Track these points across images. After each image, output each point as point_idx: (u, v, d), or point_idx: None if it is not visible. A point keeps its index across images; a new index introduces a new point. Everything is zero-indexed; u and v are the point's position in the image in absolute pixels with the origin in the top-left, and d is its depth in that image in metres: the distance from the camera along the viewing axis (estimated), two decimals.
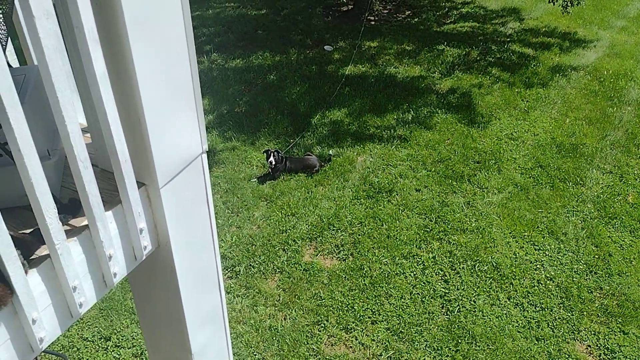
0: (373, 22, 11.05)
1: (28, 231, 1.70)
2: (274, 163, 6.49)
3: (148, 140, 1.79)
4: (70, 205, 1.81)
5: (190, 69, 1.89)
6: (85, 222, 1.74)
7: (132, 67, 1.66)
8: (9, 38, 2.19)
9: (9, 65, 2.12)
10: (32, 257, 1.64)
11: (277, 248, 5.69)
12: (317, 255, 5.62)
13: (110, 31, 1.63)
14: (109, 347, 4.82)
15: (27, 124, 1.42)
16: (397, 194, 6.36)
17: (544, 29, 10.72)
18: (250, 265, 5.51)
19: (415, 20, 11.24)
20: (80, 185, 1.62)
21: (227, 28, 10.94)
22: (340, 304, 5.09)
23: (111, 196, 1.85)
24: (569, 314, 4.98)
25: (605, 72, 8.95)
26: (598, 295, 5.17)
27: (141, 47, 1.66)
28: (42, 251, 1.65)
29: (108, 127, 1.66)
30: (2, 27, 2.10)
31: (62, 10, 1.62)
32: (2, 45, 2.09)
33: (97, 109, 1.64)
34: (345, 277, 5.35)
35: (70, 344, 4.87)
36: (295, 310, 5.04)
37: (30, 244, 1.63)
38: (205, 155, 2.12)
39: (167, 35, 1.77)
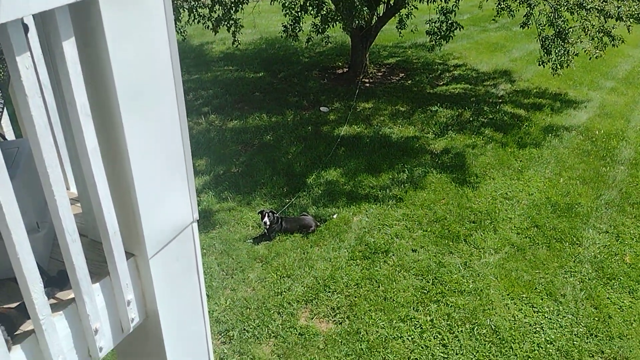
0: (368, 84, 11.31)
1: (13, 305, 1.68)
2: (268, 223, 6.48)
3: (138, 211, 1.80)
4: (58, 278, 1.79)
5: (182, 140, 1.92)
6: (73, 295, 1.72)
7: (123, 140, 1.69)
8: (4, 107, 2.22)
9: (4, 138, 2.15)
10: (17, 332, 1.62)
11: (272, 311, 5.60)
12: (312, 319, 5.53)
13: (103, 106, 1.66)
14: None
15: (18, 197, 1.43)
16: (394, 255, 6.32)
17: (535, 90, 10.97)
18: (244, 329, 5.40)
19: (409, 82, 11.51)
20: (67, 258, 1.62)
21: (225, 90, 11.17)
22: None
23: (99, 267, 1.83)
24: None
25: (597, 132, 9.10)
26: (600, 359, 5.05)
27: (133, 122, 1.70)
28: (27, 326, 1.62)
29: (98, 199, 1.67)
30: None
31: (55, 84, 1.66)
32: None
33: (87, 182, 1.65)
34: (341, 342, 5.24)
35: None
36: None
37: (15, 318, 1.61)
38: (195, 224, 2.12)
39: (159, 109, 1.81)
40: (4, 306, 1.67)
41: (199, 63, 12.85)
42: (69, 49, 1.50)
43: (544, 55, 9.26)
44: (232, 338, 5.30)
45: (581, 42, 9.12)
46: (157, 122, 1.82)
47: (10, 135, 2.38)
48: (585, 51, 9.14)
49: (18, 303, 1.65)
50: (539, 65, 9.59)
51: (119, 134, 1.68)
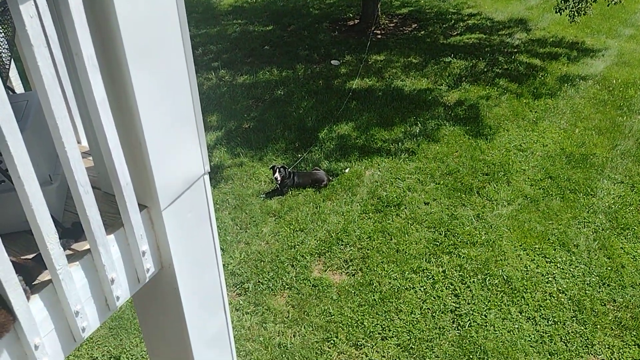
0: (379, 36, 11.09)
1: (30, 256, 1.71)
2: (279, 179, 6.50)
3: (149, 163, 1.80)
4: (73, 230, 1.81)
5: (190, 91, 1.90)
6: (88, 246, 1.74)
7: (131, 91, 1.68)
8: (12, 60, 2.21)
9: (13, 92, 2.15)
10: (35, 283, 1.65)
11: (286, 264, 5.67)
12: (326, 271, 5.60)
13: (110, 57, 1.64)
14: None
15: (29, 150, 1.43)
16: (406, 208, 6.33)
17: (551, 39, 10.69)
18: (259, 281, 5.50)
19: (422, 33, 11.26)
20: (81, 210, 1.63)
21: (234, 45, 11.02)
22: (349, 319, 5.06)
23: (113, 219, 1.85)
24: (582, 328, 4.90)
25: (614, 81, 8.89)
26: (611, 307, 5.09)
27: (141, 72, 1.67)
28: (45, 276, 1.66)
29: (108, 151, 1.67)
30: (6, 50, 2.13)
31: (62, 36, 1.64)
32: (6, 69, 2.12)
33: (97, 134, 1.65)
34: (354, 293, 5.32)
35: None
36: (304, 327, 5.01)
37: (32, 269, 1.64)
38: (207, 176, 2.12)
39: (166, 59, 1.78)
40: (22, 257, 1.70)
41: (207, 17, 12.65)
42: None
43: (561, 2, 8.97)
44: (247, 290, 5.41)
45: None
46: (165, 73, 1.79)
47: (19, 90, 2.37)
48: None
49: (35, 254, 1.68)
50: (556, 12, 9.31)
51: (127, 86, 1.67)
